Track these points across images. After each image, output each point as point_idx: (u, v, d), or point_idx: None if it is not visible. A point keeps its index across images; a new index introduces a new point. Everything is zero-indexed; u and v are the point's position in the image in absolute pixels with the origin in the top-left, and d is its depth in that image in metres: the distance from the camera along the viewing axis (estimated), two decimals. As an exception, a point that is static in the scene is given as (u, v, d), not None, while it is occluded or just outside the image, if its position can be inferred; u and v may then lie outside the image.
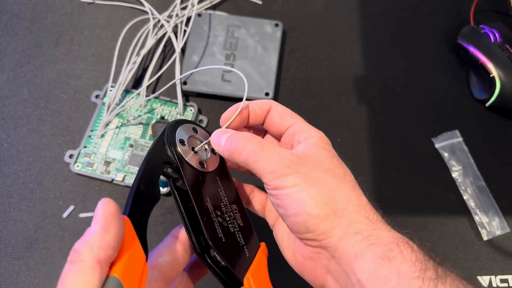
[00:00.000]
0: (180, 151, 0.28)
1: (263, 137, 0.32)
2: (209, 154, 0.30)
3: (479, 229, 0.45)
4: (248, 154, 0.26)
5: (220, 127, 0.30)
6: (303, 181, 0.25)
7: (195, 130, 0.30)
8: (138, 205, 0.24)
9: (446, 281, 0.22)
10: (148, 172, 0.26)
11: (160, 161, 0.27)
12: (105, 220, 0.20)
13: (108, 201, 0.21)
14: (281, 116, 0.30)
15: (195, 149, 0.29)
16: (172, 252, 0.27)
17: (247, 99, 0.30)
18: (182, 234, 0.28)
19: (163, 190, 0.44)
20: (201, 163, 0.29)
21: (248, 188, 0.33)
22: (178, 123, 0.30)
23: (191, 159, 0.28)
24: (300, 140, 0.29)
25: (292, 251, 0.29)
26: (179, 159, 0.28)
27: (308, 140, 0.28)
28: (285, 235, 0.29)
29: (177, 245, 0.28)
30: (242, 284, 0.28)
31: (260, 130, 0.32)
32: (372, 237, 0.24)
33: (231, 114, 0.29)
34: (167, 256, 0.27)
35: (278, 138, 0.31)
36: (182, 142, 0.28)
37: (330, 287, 0.26)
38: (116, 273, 0.20)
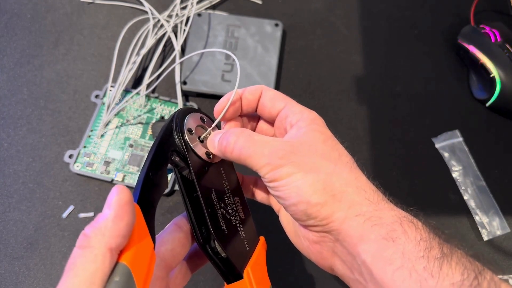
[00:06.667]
0: (188, 140, 0.28)
1: (257, 124, 0.32)
2: None
3: (480, 229, 0.45)
4: (240, 151, 0.26)
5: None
6: (298, 170, 0.25)
7: (202, 120, 0.30)
8: (147, 193, 0.23)
9: (452, 259, 0.22)
10: (157, 160, 0.25)
11: (168, 148, 0.27)
12: (118, 208, 0.20)
13: (123, 188, 0.20)
14: (272, 100, 0.29)
15: (201, 138, 0.29)
16: (174, 241, 0.27)
17: None
18: (184, 223, 0.28)
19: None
20: (207, 154, 0.29)
21: (252, 180, 0.33)
22: (187, 111, 0.29)
23: (198, 149, 0.28)
24: (292, 122, 0.28)
25: (298, 236, 0.28)
26: (187, 148, 0.27)
27: (300, 123, 0.28)
28: (290, 221, 0.29)
29: (179, 234, 0.28)
30: (241, 277, 0.28)
31: (254, 117, 0.32)
32: (374, 218, 0.24)
33: (223, 105, 0.29)
34: (169, 245, 0.27)
35: (271, 123, 0.31)
36: (190, 131, 0.28)
37: (338, 269, 0.26)
38: (125, 260, 0.20)
